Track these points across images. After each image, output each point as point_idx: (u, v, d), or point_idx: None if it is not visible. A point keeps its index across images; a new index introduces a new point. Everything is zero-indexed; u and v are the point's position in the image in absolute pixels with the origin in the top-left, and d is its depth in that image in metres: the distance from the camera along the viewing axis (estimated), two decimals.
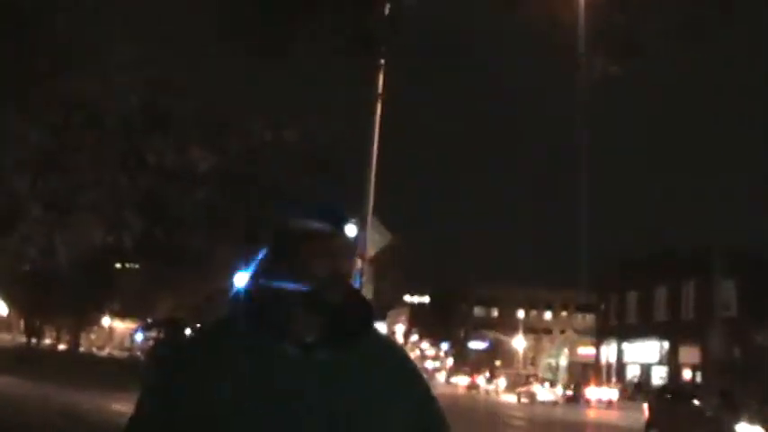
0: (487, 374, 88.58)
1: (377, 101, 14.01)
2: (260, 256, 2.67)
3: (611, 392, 60.47)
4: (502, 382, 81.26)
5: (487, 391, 78.51)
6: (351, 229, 2.52)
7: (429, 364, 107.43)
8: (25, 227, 11.80)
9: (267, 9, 9.79)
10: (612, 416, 45.96)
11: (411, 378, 2.58)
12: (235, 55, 10.34)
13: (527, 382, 65.30)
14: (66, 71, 9.50)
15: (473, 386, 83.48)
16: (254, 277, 2.54)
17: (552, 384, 65.60)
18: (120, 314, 71.00)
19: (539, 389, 61.34)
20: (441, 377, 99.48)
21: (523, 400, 59.69)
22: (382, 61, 12.68)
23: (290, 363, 2.34)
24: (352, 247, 2.60)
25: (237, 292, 2.62)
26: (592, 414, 48.66)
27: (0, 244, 11.77)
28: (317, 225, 2.43)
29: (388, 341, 2.73)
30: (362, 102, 14.04)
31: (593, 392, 61.75)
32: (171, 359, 2.53)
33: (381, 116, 14.41)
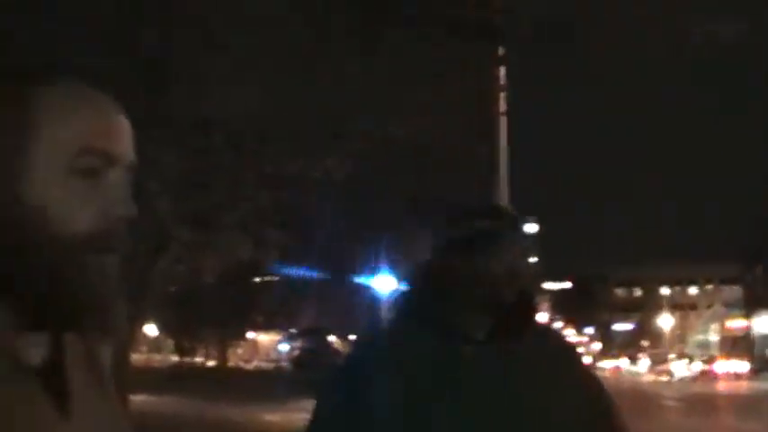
0: (629, 356, 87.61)
1: (500, 90, 13.91)
2: (421, 259, 2.66)
3: (741, 365, 59.62)
4: (644, 362, 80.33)
5: (630, 373, 77.67)
6: (527, 228, 2.51)
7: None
8: (174, 249, 12.17)
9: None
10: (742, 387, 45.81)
11: (575, 362, 2.61)
12: (350, 57, 10.41)
13: (665, 360, 65.18)
14: (201, 94, 9.76)
15: (617, 369, 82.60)
16: (422, 279, 2.53)
17: (690, 360, 65.18)
18: (264, 327, 72.58)
19: (676, 366, 61.21)
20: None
21: (662, 378, 59.35)
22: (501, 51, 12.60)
23: (464, 362, 2.35)
24: (529, 245, 2.59)
25: (404, 295, 2.63)
26: (721, 386, 48.32)
27: (151, 267, 12.15)
28: (494, 224, 2.41)
29: (549, 329, 2.80)
30: (483, 93, 13.93)
31: (722, 366, 61.14)
32: (350, 368, 2.54)
33: (508, 105, 14.32)
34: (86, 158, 1.21)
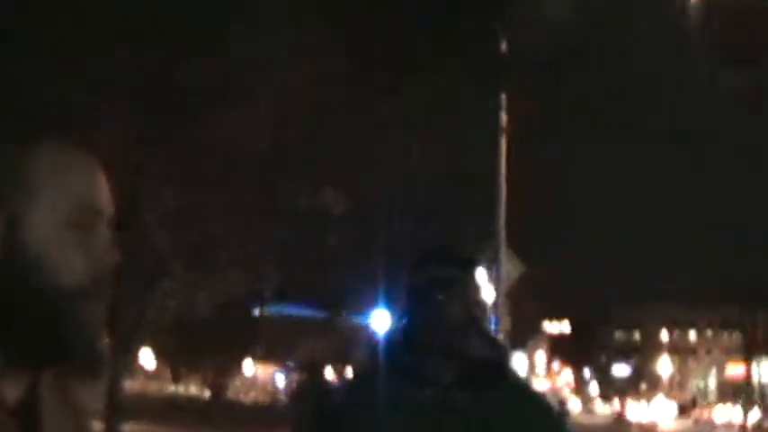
0: (640, 401, 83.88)
1: (502, 132, 14.01)
2: (399, 300, 2.76)
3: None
4: (658, 406, 76.69)
5: (642, 425, 68.69)
6: (479, 273, 2.58)
7: (569, 392, 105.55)
8: (167, 282, 12.22)
9: (393, 49, 9.96)
10: None
11: (547, 419, 2.67)
12: (361, 96, 10.50)
13: (694, 405, 61.43)
14: (203, 118, 9.85)
15: (620, 416, 75.93)
16: (394, 326, 2.63)
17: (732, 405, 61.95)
18: (262, 359, 72.13)
19: (719, 412, 57.93)
20: (576, 406, 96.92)
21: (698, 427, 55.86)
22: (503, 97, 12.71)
23: (431, 408, 2.41)
24: (479, 290, 2.66)
25: (380, 339, 2.72)
26: None
27: (145, 299, 12.20)
28: (445, 272, 2.49)
29: (523, 383, 2.83)
30: (490, 133, 14.03)
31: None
32: (326, 411, 2.64)
33: (508, 147, 14.41)
34: (80, 213, 1.32)
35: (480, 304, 2.61)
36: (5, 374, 1.29)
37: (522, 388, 2.73)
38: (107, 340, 1.35)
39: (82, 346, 1.31)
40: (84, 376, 1.40)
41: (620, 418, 74.83)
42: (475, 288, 2.53)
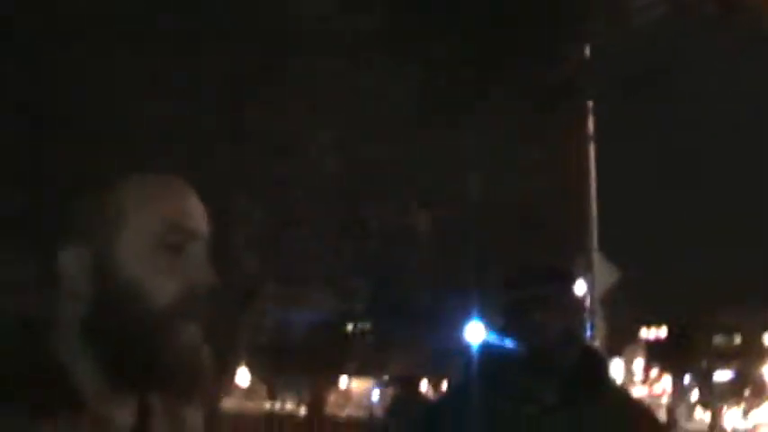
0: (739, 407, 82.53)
1: (588, 142, 13.90)
2: (493, 314, 2.72)
3: None
4: (761, 413, 74.93)
5: None
6: (578, 288, 2.55)
7: (667, 399, 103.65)
8: (261, 303, 12.36)
9: (457, 79, 10.00)
10: None
11: (648, 427, 2.64)
12: (430, 124, 10.55)
13: None
14: (276, 156, 9.99)
15: (715, 426, 75.49)
16: (490, 341, 2.59)
17: None
18: (357, 374, 72.62)
19: None
20: (682, 413, 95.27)
21: None
22: (590, 104, 12.59)
23: (533, 425, 2.37)
24: (581, 305, 2.63)
25: (473, 353, 2.69)
26: None
27: (239, 319, 12.38)
28: (545, 289, 2.46)
29: (625, 394, 2.80)
30: (568, 148, 13.94)
31: None
32: (428, 421, 2.62)
33: (596, 157, 14.32)
34: (171, 236, 1.36)
35: (580, 319, 2.57)
36: (113, 399, 1.33)
37: (623, 400, 2.70)
38: (207, 361, 1.37)
39: (181, 366, 1.34)
40: (188, 398, 1.43)
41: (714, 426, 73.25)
42: (574, 303, 2.50)
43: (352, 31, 9.53)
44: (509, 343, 2.51)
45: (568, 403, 2.46)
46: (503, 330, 2.56)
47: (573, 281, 2.60)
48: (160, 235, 1.38)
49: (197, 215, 1.43)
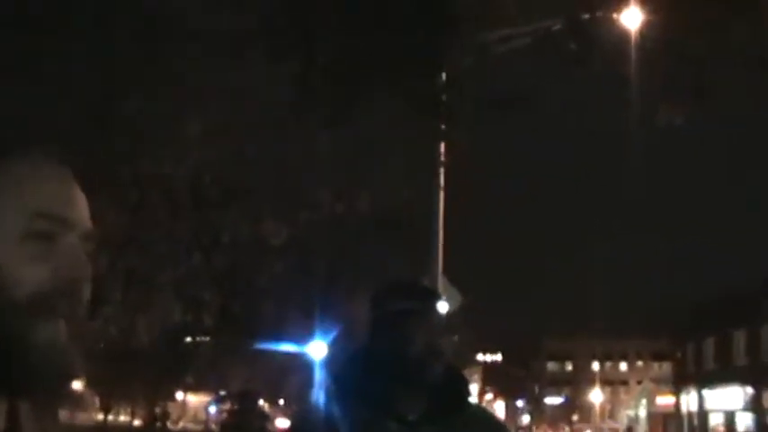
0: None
1: (440, 164, 14.06)
2: (359, 330, 2.77)
3: None
4: None
5: None
6: (442, 306, 2.62)
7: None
8: (109, 308, 12.02)
9: (336, 80, 9.97)
10: None
11: None
12: (303, 127, 10.50)
13: None
14: (142, 149, 9.76)
15: None
16: (355, 353, 2.62)
17: None
18: (193, 387, 71.34)
19: None
20: None
21: None
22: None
23: None
24: (444, 323, 2.69)
25: (342, 367, 2.71)
26: None
27: (83, 326, 11.97)
28: (412, 304, 2.52)
29: (488, 414, 2.86)
30: (427, 164, 14.08)
31: None
32: None
33: (446, 178, 14.47)
34: (41, 222, 1.26)
35: (442, 335, 2.63)
36: None
37: (485, 420, 2.77)
38: (74, 360, 1.29)
39: (48, 366, 1.25)
40: (56, 401, 1.35)
41: None
42: (440, 320, 2.57)
43: (231, 29, 9.44)
44: (375, 356, 2.55)
45: (430, 420, 2.50)
46: (370, 344, 2.60)
47: (438, 298, 2.67)
48: (32, 221, 1.31)
49: (73, 203, 1.31)
